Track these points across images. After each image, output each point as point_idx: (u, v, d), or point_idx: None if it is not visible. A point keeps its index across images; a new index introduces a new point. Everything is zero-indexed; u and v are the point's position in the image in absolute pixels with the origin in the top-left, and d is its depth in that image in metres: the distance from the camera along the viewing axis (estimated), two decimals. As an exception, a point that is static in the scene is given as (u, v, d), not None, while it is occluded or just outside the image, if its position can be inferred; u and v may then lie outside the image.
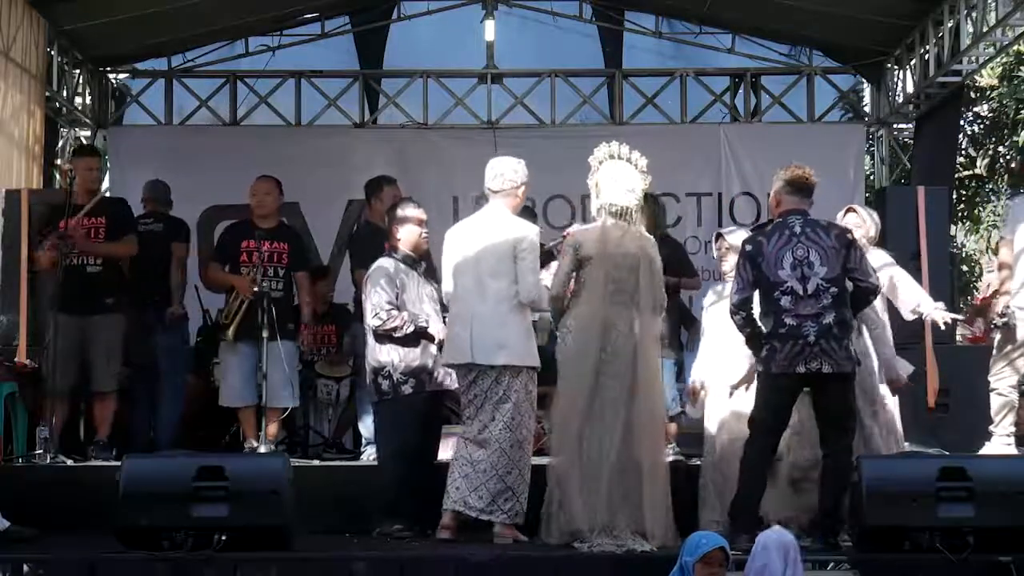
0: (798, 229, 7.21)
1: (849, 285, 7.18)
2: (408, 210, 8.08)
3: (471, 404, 7.45)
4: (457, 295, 7.52)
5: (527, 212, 10.57)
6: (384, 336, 7.78)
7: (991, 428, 8.61)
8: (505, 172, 7.63)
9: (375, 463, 8.76)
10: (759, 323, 7.19)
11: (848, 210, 8.14)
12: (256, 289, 8.79)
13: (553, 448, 7.47)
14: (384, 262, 7.95)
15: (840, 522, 7.10)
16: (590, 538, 7.01)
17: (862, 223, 7.98)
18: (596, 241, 7.31)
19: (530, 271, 7.41)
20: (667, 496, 7.21)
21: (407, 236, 7.99)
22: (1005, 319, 8.50)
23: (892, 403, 7.81)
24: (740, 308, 7.21)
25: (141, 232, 9.29)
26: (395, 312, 7.76)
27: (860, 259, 7.25)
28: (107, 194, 11.39)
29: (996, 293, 9.15)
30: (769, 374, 7.15)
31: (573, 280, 7.38)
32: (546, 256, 7.93)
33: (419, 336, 7.78)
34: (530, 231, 7.51)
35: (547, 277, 7.65)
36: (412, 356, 7.78)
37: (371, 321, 7.80)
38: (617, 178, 7.37)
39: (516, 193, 7.63)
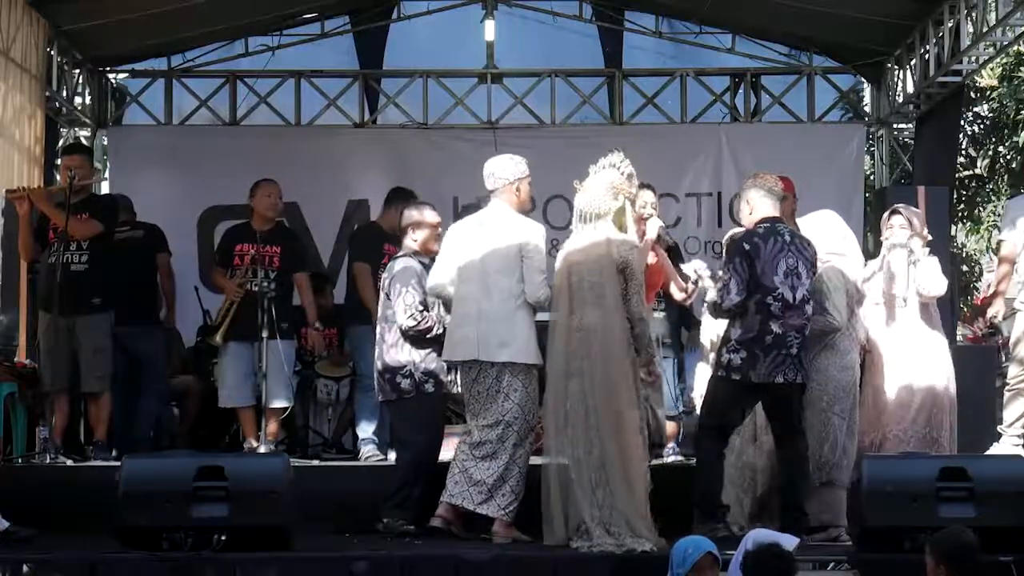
0: (787, 238, 7.34)
1: None
2: (427, 214, 8.19)
3: (473, 401, 7.49)
4: (461, 294, 7.54)
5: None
6: (415, 337, 7.81)
7: (1001, 428, 8.62)
8: (496, 171, 7.65)
9: (374, 463, 8.83)
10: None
11: (892, 212, 8.17)
12: (255, 289, 8.81)
13: (544, 449, 7.51)
14: (411, 263, 7.99)
15: (805, 516, 7.18)
16: (589, 538, 7.01)
17: (907, 224, 8.02)
18: (566, 250, 7.38)
19: (536, 270, 7.43)
20: (644, 494, 7.15)
21: (422, 238, 8.04)
22: (992, 331, 8.55)
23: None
24: (735, 308, 7.26)
25: (121, 239, 9.27)
26: (427, 313, 7.83)
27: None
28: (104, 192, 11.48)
29: (996, 294, 9.17)
30: (748, 383, 7.23)
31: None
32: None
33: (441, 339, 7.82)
34: (536, 230, 7.53)
35: None
36: (431, 357, 7.85)
37: (405, 322, 7.83)
38: (589, 186, 7.39)
39: (513, 190, 7.63)
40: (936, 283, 7.99)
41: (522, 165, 7.68)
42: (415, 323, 7.81)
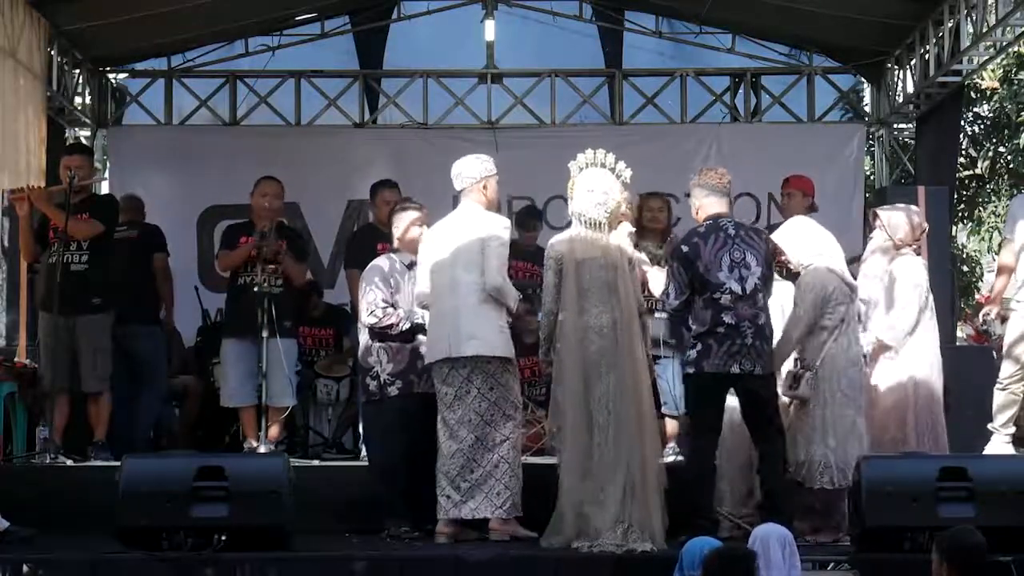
0: (732, 231, 7.38)
1: None
2: (409, 210, 8.11)
3: (443, 403, 7.44)
4: (434, 295, 7.54)
5: (532, 211, 10.55)
6: (380, 334, 7.78)
7: (993, 426, 8.61)
8: (463, 171, 7.66)
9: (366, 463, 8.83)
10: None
11: (874, 215, 8.20)
12: (256, 289, 8.76)
13: (557, 450, 7.47)
14: (380, 261, 7.99)
15: (789, 519, 7.12)
16: (592, 538, 7.01)
17: (881, 225, 8.05)
18: (568, 249, 7.35)
19: (494, 259, 7.40)
20: (658, 493, 7.16)
21: (400, 232, 8.02)
22: (986, 327, 8.57)
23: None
24: (680, 311, 7.35)
25: (117, 239, 9.25)
26: (390, 309, 7.77)
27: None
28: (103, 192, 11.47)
29: (993, 299, 9.21)
30: (702, 373, 7.24)
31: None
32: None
33: (415, 333, 7.77)
34: (499, 223, 7.54)
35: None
36: (401, 358, 7.79)
37: (366, 319, 7.81)
38: (592, 188, 7.38)
39: (480, 188, 7.62)
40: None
41: (488, 163, 7.68)
42: (376, 320, 7.76)
